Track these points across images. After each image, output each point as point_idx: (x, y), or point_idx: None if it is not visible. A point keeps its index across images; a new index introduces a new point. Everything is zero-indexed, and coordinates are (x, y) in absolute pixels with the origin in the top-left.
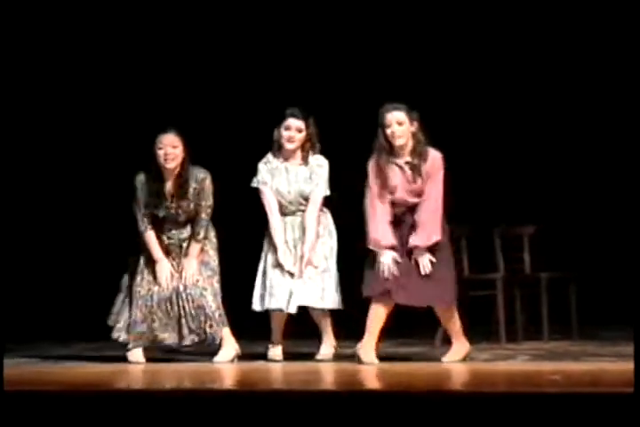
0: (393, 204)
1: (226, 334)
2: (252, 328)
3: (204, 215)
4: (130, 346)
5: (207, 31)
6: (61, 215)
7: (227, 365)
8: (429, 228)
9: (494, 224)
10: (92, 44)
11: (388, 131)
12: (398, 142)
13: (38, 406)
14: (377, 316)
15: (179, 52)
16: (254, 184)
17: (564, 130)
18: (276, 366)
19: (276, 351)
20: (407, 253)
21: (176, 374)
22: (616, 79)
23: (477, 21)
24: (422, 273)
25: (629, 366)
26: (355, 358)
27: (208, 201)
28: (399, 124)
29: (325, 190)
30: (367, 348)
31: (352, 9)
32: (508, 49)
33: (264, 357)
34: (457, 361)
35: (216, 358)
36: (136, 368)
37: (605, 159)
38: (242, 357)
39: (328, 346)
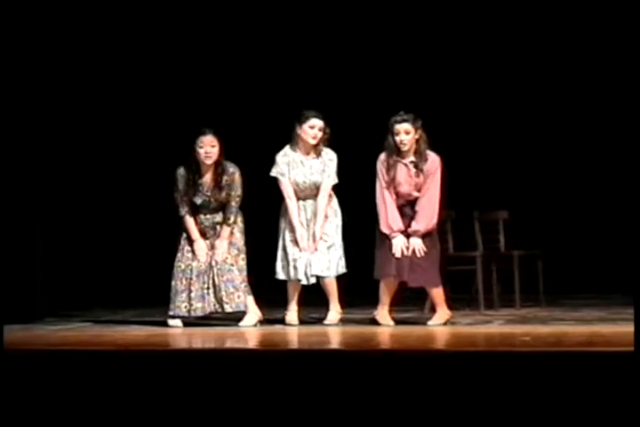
0: (397, 196)
1: (250, 302)
2: (272, 297)
3: (233, 203)
4: (170, 313)
5: (231, 46)
6: (115, 201)
7: (250, 328)
8: (428, 216)
9: (474, 210)
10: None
11: (397, 138)
12: (404, 149)
13: (92, 363)
14: (387, 290)
15: (213, 67)
16: (273, 174)
17: (531, 129)
18: (292, 330)
19: (292, 317)
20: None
21: (208, 337)
22: (580, 69)
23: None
24: (418, 256)
25: (588, 328)
26: (373, 321)
27: (237, 191)
28: (406, 134)
29: (334, 180)
30: (382, 314)
31: (362, 20)
32: (483, 44)
33: (282, 321)
34: (439, 325)
35: (241, 323)
36: (174, 332)
37: (565, 154)
38: (263, 321)
39: (334, 312)
